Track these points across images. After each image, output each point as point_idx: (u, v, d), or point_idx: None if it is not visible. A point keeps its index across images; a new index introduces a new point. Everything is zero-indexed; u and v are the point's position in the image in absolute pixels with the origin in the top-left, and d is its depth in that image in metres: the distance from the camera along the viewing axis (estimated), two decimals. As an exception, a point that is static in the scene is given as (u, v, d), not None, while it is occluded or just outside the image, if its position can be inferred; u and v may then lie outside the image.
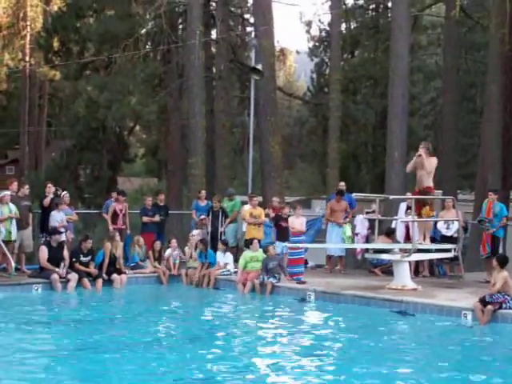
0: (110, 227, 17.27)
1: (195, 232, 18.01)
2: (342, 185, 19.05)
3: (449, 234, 16.77)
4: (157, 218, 18.17)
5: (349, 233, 17.99)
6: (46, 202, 16.75)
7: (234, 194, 19.88)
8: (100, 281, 15.63)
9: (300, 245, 16.35)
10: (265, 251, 15.82)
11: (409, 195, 16.73)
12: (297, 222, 16.68)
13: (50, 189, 17.06)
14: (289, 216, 17.39)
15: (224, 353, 9.72)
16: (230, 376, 8.40)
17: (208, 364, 8.94)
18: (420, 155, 14.71)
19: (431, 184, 14.94)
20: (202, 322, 12.49)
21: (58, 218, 16.41)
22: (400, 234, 17.40)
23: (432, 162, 14.89)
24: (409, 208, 16.72)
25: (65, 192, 17.73)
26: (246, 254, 16.30)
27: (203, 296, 15.67)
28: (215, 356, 9.44)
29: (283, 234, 17.23)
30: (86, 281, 15.48)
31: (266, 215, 18.12)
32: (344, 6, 32.77)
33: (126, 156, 41.63)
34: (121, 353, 9.59)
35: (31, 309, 13.29)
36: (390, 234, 17.77)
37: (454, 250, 15.70)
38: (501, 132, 21.78)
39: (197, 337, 10.85)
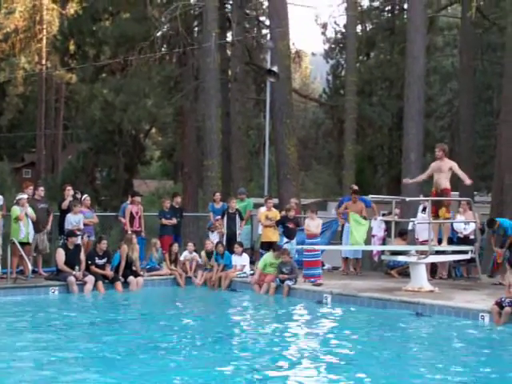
0: (128, 230, 17.34)
1: (213, 236, 18.13)
2: (353, 186, 19.13)
3: (465, 232, 16.78)
4: (174, 221, 18.25)
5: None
6: (65, 204, 16.84)
7: (245, 193, 19.91)
8: (119, 283, 15.73)
9: (316, 247, 16.31)
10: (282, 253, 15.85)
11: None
12: (312, 224, 16.62)
13: (69, 191, 17.16)
14: (295, 218, 17.76)
15: (244, 354, 9.71)
16: (251, 377, 8.39)
17: (228, 365, 8.93)
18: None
19: (448, 186, 14.89)
20: (221, 324, 12.48)
21: (73, 220, 16.48)
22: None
23: (447, 163, 14.89)
24: (424, 209, 16.73)
25: (86, 195, 17.90)
26: (267, 258, 16.22)
27: (220, 298, 15.67)
28: (235, 357, 9.46)
29: (289, 234, 17.54)
30: (100, 284, 15.52)
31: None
32: (360, 8, 32.81)
33: (142, 158, 41.72)
34: (146, 354, 9.56)
35: (48, 311, 13.35)
36: (403, 234, 17.77)
37: (471, 251, 15.65)
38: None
39: (217, 338, 10.85)
